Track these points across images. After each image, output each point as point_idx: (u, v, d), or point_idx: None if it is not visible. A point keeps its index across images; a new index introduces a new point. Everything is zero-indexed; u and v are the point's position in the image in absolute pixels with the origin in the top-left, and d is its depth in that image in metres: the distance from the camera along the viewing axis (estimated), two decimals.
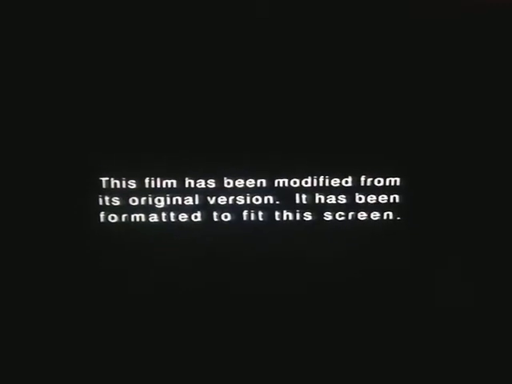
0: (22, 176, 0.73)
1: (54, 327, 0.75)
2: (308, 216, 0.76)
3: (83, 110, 0.73)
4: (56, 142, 0.73)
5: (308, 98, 0.74)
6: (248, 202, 0.75)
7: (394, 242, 0.77)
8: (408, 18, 0.72)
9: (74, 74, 0.72)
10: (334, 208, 0.76)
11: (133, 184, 0.75)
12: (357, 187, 0.76)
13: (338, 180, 0.75)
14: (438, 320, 0.77)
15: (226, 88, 0.73)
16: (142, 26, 0.71)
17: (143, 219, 0.75)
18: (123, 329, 0.76)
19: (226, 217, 0.76)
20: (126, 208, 0.75)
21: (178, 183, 0.75)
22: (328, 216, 0.76)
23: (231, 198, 0.75)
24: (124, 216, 0.75)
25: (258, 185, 0.75)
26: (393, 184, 0.75)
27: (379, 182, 0.76)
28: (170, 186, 0.75)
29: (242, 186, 0.75)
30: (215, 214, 0.76)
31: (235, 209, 0.76)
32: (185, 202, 0.75)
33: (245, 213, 0.76)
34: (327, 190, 0.76)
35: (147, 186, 0.75)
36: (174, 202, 0.75)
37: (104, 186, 0.75)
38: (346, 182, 0.75)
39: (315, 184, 0.75)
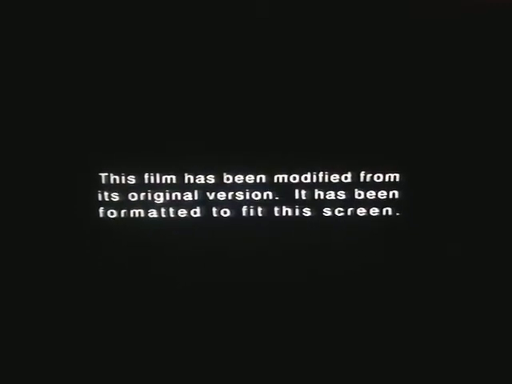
0: (21, 172, 0.73)
1: (54, 322, 0.75)
2: (307, 212, 0.76)
3: (82, 106, 0.73)
4: (55, 137, 0.73)
5: (307, 95, 0.74)
6: (247, 197, 0.75)
7: (393, 238, 0.77)
8: (408, 18, 0.72)
9: (74, 71, 0.72)
10: (334, 204, 0.76)
11: (132, 179, 0.75)
12: (356, 183, 0.75)
13: (337, 176, 0.75)
14: (438, 317, 0.77)
15: (226, 84, 0.73)
16: (141, 25, 0.71)
17: (142, 215, 0.75)
18: (122, 324, 0.76)
19: (225, 212, 0.76)
20: (125, 204, 0.75)
21: (177, 179, 0.75)
22: (327, 212, 0.76)
23: (230, 194, 0.75)
24: (123, 212, 0.75)
25: (258, 180, 0.75)
26: (392, 180, 0.75)
27: (378, 177, 0.75)
28: (169, 181, 0.75)
29: (241, 181, 0.75)
30: (214, 209, 0.76)
31: (234, 204, 0.76)
32: (184, 198, 0.75)
33: (244, 208, 0.76)
34: (326, 186, 0.76)
35: (146, 181, 0.75)
36: (174, 198, 0.75)
37: (103, 181, 0.75)
38: (346, 178, 0.75)
39: (314, 180, 0.75)
